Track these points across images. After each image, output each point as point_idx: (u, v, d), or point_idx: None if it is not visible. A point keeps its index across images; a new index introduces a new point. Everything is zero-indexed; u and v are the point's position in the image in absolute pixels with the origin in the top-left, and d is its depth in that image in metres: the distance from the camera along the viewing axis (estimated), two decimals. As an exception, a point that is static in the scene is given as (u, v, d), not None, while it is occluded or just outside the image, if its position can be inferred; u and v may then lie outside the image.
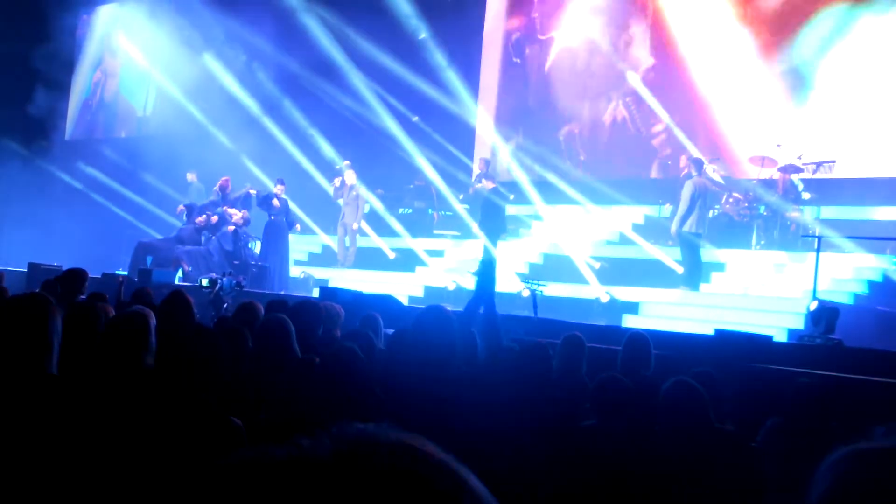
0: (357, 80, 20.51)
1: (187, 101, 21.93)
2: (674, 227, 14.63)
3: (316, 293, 13.89)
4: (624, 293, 14.40)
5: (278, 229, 17.30)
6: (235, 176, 18.94)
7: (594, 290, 14.79)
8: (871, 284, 13.89)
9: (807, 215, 15.97)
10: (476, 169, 18.47)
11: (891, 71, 16.00)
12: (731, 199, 16.22)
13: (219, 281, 12.63)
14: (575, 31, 19.80)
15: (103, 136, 26.34)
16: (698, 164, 15.02)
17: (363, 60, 20.44)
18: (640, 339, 6.97)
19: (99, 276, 14.88)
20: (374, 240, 19.43)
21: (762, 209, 15.82)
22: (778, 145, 16.25)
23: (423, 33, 20.71)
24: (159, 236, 19.55)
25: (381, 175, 20.21)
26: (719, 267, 15.26)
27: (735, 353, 8.47)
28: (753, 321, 12.25)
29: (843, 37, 16.61)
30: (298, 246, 19.60)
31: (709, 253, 15.26)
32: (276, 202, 17.23)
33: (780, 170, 16.14)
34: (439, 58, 19.99)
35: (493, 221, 16.53)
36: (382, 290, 13.51)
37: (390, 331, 6.93)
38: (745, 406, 6.40)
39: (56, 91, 24.92)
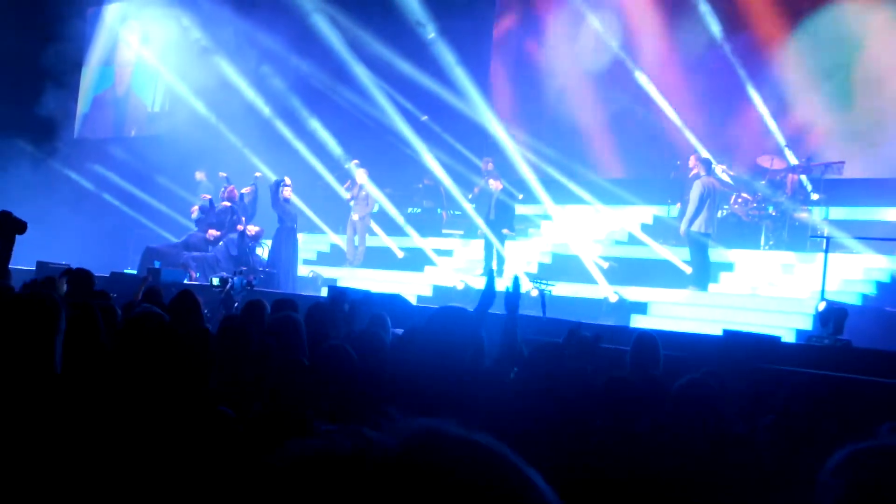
0: (366, 79, 20.51)
1: (197, 99, 21.96)
2: (683, 227, 14.60)
3: (324, 292, 13.89)
4: (632, 293, 14.39)
5: (288, 235, 17.33)
6: (244, 174, 18.94)
7: (603, 290, 14.78)
8: (880, 285, 13.87)
9: (815, 216, 15.95)
10: (483, 168, 18.45)
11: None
12: (739, 200, 16.21)
13: (229, 280, 12.64)
14: (583, 29, 19.78)
15: (112, 134, 26.36)
16: (707, 164, 15.00)
17: (372, 60, 20.44)
18: (649, 339, 6.97)
19: (107, 276, 14.91)
20: (382, 239, 19.45)
21: (771, 209, 15.80)
22: (786, 146, 16.24)
23: (432, 33, 20.70)
24: (172, 239, 19.59)
25: (389, 174, 20.22)
26: (728, 267, 15.25)
27: (743, 353, 8.45)
28: (762, 321, 12.24)
29: (851, 35, 16.60)
30: (307, 245, 19.63)
31: (717, 253, 15.25)
32: (286, 191, 17.15)
33: (788, 170, 16.12)
34: (448, 57, 19.98)
35: (504, 221, 16.56)
36: (391, 289, 13.51)
37: (399, 330, 6.92)
38: (753, 406, 6.39)
39: (64, 89, 24.95)
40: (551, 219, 19.45)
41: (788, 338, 11.31)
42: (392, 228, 19.75)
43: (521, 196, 17.86)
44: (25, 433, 3.26)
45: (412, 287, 15.88)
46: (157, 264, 17.12)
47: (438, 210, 20.48)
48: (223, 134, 20.86)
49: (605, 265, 16.18)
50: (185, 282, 15.95)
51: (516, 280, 6.39)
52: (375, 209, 19.10)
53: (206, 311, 8.86)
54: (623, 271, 16.02)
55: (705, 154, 16.15)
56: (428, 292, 16.09)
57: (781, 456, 4.64)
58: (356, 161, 19.12)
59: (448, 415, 1.07)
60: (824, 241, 12.90)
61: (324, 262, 19.48)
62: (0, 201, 15.72)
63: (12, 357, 3.50)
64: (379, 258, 18.71)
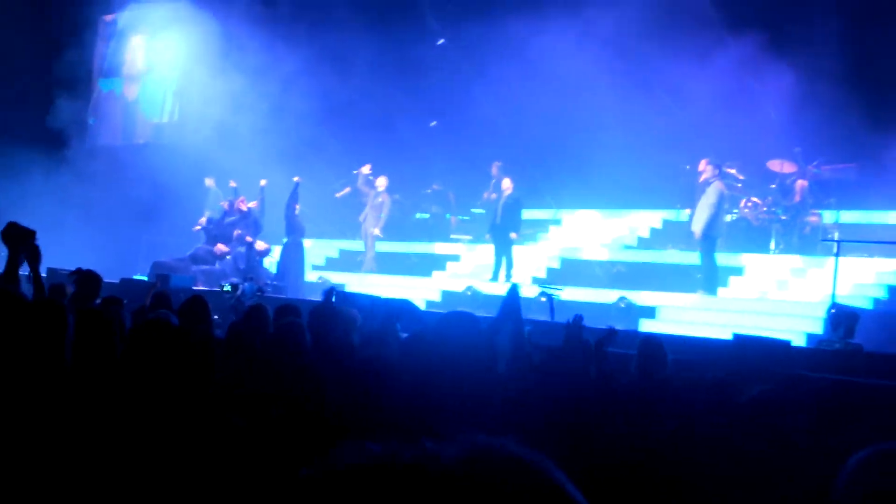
0: (375, 84, 20.53)
1: (205, 107, 21.96)
2: (698, 229, 14.48)
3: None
4: (641, 297, 14.35)
5: (297, 249, 17.39)
6: (253, 180, 18.93)
7: (611, 295, 14.75)
8: (891, 289, 13.82)
9: (826, 219, 15.91)
10: (494, 172, 18.48)
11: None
12: (749, 204, 16.18)
13: (240, 286, 12.66)
14: (589, 30, 19.69)
15: (122, 142, 26.42)
16: (719, 167, 14.95)
17: (382, 65, 20.46)
18: (654, 343, 6.95)
19: (117, 282, 14.94)
20: (391, 244, 19.47)
21: (780, 213, 15.76)
22: (797, 149, 16.20)
23: (441, 39, 20.75)
24: (181, 244, 19.64)
25: (397, 180, 20.22)
26: (737, 271, 15.21)
27: (753, 357, 8.42)
28: (772, 325, 12.20)
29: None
30: (316, 251, 19.65)
31: (727, 257, 15.22)
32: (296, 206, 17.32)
33: (798, 173, 16.09)
34: (457, 61, 20.00)
35: (511, 225, 16.55)
36: (400, 294, 13.50)
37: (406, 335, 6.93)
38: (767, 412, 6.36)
39: (76, 98, 25.02)
40: (560, 223, 19.46)
41: (799, 342, 11.27)
42: (401, 233, 19.77)
43: (530, 202, 17.86)
44: (35, 432, 3.27)
45: (421, 292, 15.88)
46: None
47: (447, 215, 20.48)
48: (230, 139, 20.84)
49: (614, 270, 16.20)
50: (195, 287, 15.98)
51: (514, 288, 6.46)
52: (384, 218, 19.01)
53: (216, 316, 8.87)
54: (632, 275, 16.02)
55: (716, 158, 16.08)
56: (436, 297, 16.08)
57: (795, 459, 4.61)
58: (369, 165, 19.20)
59: (454, 418, 1.07)
60: (835, 244, 12.87)
61: (332, 268, 19.49)
62: (13, 209, 15.84)
63: (25, 359, 3.54)
64: (388, 263, 18.72)
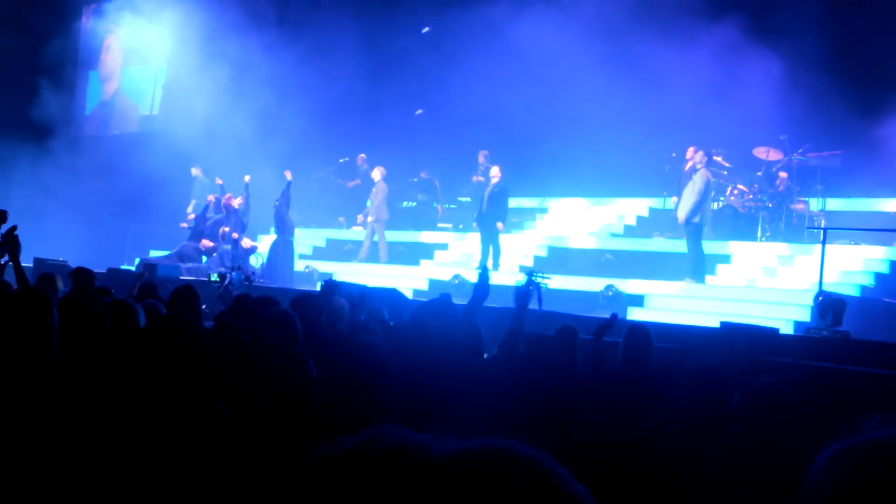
0: (360, 72, 20.49)
1: (192, 98, 21.85)
2: (682, 216, 14.49)
3: (320, 287, 13.85)
4: (629, 286, 14.36)
5: (286, 248, 17.35)
6: (240, 170, 18.86)
7: (599, 283, 14.75)
8: (879, 276, 13.85)
9: (812, 207, 15.95)
10: (480, 160, 18.48)
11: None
12: (735, 191, 16.21)
13: (228, 275, 12.62)
14: (574, 17, 19.67)
15: (109, 132, 26.33)
16: (707, 155, 14.94)
17: (367, 51, 20.43)
18: (641, 331, 6.89)
19: (105, 272, 14.90)
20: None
21: (766, 200, 15.79)
22: (782, 136, 16.22)
23: (426, 27, 20.72)
24: (167, 231, 19.60)
25: (384, 168, 20.18)
26: (725, 259, 15.24)
27: (741, 345, 8.44)
28: (759, 313, 12.23)
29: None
30: (303, 240, 19.60)
31: (714, 245, 15.25)
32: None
33: (784, 161, 16.12)
34: (444, 50, 19.96)
35: (497, 214, 16.53)
36: (387, 283, 13.48)
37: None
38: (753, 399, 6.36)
39: (61, 88, 24.93)
40: (547, 211, 19.47)
41: (787, 330, 11.29)
42: (388, 222, 19.73)
43: (515, 189, 17.84)
44: (24, 421, 3.27)
45: (408, 281, 15.86)
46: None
47: (434, 204, 20.46)
48: (219, 129, 20.75)
49: (602, 258, 16.22)
50: (182, 277, 15.93)
51: (485, 272, 6.50)
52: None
53: (204, 306, 8.84)
54: (619, 264, 16.03)
55: (702, 146, 16.09)
56: (424, 286, 16.07)
57: (776, 449, 4.61)
58: (363, 155, 19.19)
59: (440, 405, 1.06)
60: (822, 232, 12.90)
61: (319, 257, 19.45)
62: (-4, 199, 15.80)
63: (10, 348, 3.54)
64: (374, 252, 18.67)
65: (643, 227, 18.14)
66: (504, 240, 16.90)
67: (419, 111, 20.93)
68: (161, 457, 3.19)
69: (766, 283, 14.30)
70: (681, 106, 16.88)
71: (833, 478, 1.42)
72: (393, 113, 20.50)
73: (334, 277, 15.29)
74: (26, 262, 15.80)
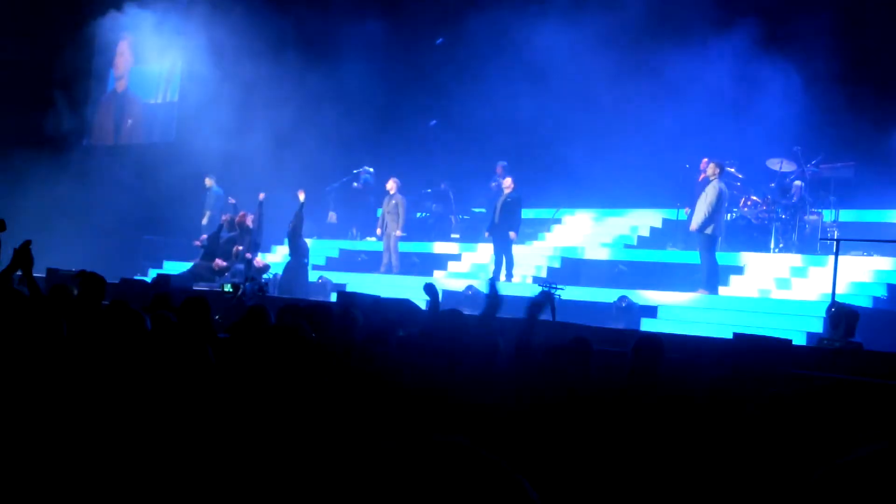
0: (375, 83, 20.54)
1: (207, 107, 21.93)
2: (695, 226, 14.50)
3: (334, 298, 13.89)
4: (642, 297, 14.35)
5: (301, 271, 17.35)
6: (253, 182, 18.92)
7: (612, 294, 14.74)
8: (891, 288, 13.82)
9: (825, 218, 15.93)
10: (498, 171, 18.56)
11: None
12: (748, 203, 16.20)
13: (241, 286, 12.68)
14: (591, 30, 19.69)
15: (122, 141, 26.42)
16: (721, 166, 14.94)
17: (382, 64, 20.50)
18: (651, 342, 6.81)
19: (118, 282, 14.93)
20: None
21: (780, 212, 15.78)
22: (796, 148, 16.20)
23: (440, 38, 20.77)
24: (180, 242, 19.63)
25: (398, 179, 20.22)
26: (738, 270, 15.22)
27: (754, 356, 8.43)
28: (772, 325, 12.21)
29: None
30: (317, 251, 19.63)
31: (728, 256, 15.24)
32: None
33: (798, 172, 16.10)
34: (458, 61, 20.01)
35: (510, 224, 16.54)
36: (401, 294, 13.49)
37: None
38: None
39: (74, 98, 25.03)
40: (561, 222, 19.48)
41: (799, 341, 11.27)
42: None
43: (529, 200, 17.84)
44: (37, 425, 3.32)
45: (422, 292, 15.80)
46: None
47: (448, 215, 20.49)
48: (233, 141, 20.82)
49: (615, 269, 16.22)
50: (195, 288, 15.98)
51: (494, 283, 6.51)
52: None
53: (217, 317, 8.88)
54: (632, 275, 16.02)
55: (717, 157, 16.09)
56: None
57: (789, 458, 4.62)
58: (370, 168, 19.20)
59: (452, 413, 1.08)
60: (835, 243, 12.88)
61: (333, 268, 19.47)
62: (12, 209, 15.85)
63: (25, 355, 3.61)
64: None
65: (657, 238, 18.11)
66: (517, 250, 16.91)
67: (433, 122, 20.97)
68: (173, 469, 3.23)
69: (779, 295, 14.28)
70: (695, 117, 16.91)
71: (823, 495, 1.45)
72: (407, 124, 20.56)
73: (347, 288, 15.38)
74: (39, 273, 15.93)
